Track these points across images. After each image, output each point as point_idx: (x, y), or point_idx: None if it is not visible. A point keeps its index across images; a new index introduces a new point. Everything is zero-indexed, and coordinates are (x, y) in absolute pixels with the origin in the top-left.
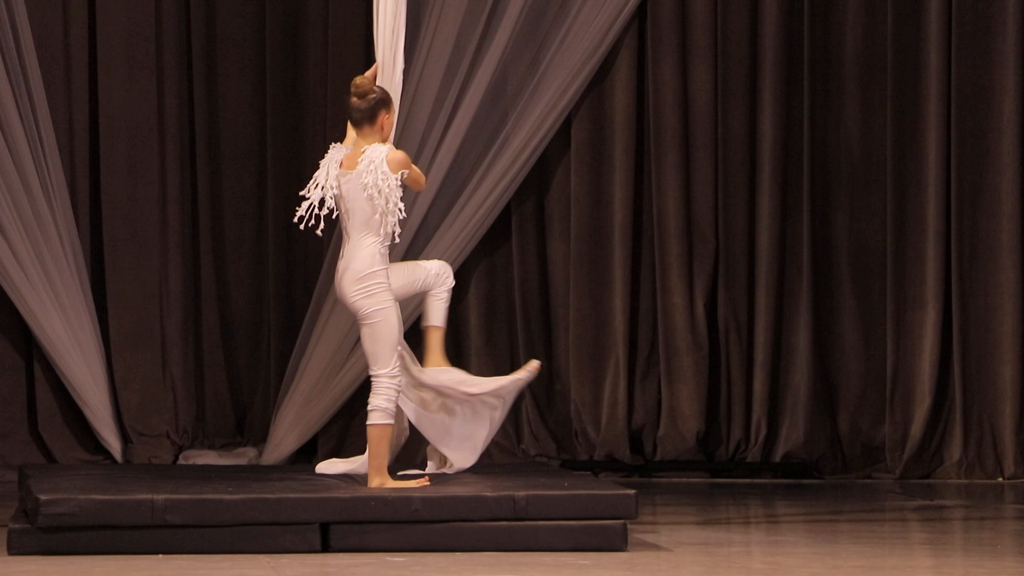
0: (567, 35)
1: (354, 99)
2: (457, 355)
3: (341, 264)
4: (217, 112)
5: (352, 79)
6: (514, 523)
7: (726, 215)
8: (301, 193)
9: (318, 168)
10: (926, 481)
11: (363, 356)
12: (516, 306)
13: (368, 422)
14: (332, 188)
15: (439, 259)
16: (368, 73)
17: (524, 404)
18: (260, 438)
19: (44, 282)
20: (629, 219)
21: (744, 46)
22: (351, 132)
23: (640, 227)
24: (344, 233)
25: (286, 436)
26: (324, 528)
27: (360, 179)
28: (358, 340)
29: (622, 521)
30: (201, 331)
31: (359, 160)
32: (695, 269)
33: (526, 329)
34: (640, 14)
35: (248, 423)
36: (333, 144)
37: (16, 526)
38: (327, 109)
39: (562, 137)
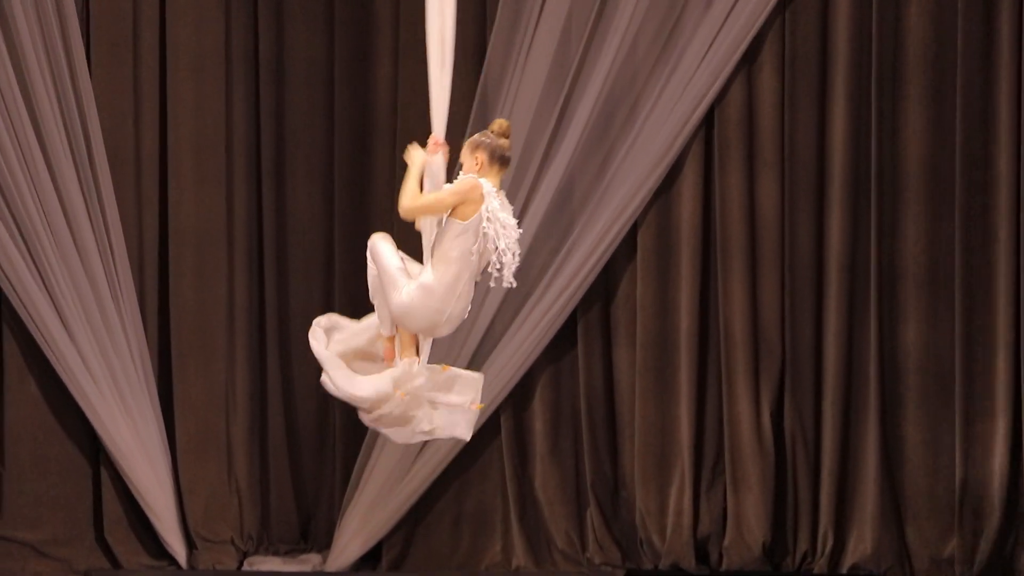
0: (635, 143)
1: (507, 141)
2: (522, 462)
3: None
4: (285, 220)
5: (494, 130)
6: None
7: (792, 324)
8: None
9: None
10: None
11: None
12: (581, 413)
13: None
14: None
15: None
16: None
17: (589, 512)
18: (324, 544)
19: (111, 387)
20: (695, 327)
21: (811, 155)
22: (495, 175)
23: (706, 335)
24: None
25: (351, 542)
26: None
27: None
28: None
29: None
30: (266, 437)
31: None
32: (761, 378)
33: (591, 436)
34: (707, 122)
35: (312, 529)
36: (494, 191)
37: None
38: (393, 222)
39: (628, 244)
